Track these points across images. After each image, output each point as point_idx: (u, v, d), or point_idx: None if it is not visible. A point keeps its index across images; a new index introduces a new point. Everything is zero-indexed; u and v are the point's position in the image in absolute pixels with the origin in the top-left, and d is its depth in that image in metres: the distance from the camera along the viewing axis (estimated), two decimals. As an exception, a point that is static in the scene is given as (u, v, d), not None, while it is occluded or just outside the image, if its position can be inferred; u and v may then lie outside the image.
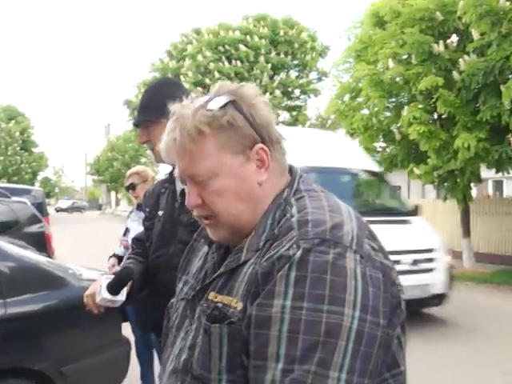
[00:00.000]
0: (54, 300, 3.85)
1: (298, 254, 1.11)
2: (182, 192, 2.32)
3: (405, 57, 13.49)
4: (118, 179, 52.81)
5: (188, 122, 1.24)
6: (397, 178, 17.90)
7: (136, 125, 2.57)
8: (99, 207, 73.40)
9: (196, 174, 1.26)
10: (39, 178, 58.80)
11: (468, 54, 12.12)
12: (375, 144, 15.49)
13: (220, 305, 1.23)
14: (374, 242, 1.23)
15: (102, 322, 4.08)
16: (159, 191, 2.58)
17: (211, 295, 1.27)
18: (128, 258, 2.62)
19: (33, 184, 46.36)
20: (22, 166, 50.36)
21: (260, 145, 1.27)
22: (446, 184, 13.90)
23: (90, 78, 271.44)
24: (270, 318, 1.10)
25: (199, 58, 22.54)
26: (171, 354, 1.39)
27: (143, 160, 51.75)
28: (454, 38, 13.34)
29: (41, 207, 10.42)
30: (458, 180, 13.31)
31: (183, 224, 2.33)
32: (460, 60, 12.01)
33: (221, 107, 1.25)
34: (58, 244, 9.68)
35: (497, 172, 13.54)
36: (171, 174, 2.51)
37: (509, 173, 13.39)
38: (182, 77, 22.83)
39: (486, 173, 14.21)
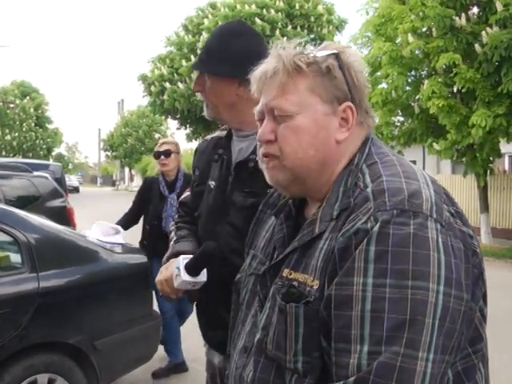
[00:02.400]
0: (86, 274, 3.85)
1: (377, 227, 1.06)
2: (237, 165, 2.09)
3: (424, 29, 13.31)
4: (132, 155, 52.82)
5: (289, 56, 1.23)
6: (413, 153, 17.78)
7: (197, 69, 2.21)
8: (113, 183, 73.59)
9: (279, 106, 1.24)
10: (53, 154, 58.88)
11: (490, 26, 11.91)
12: (394, 118, 15.37)
13: (296, 283, 1.18)
14: (452, 206, 1.17)
15: (134, 296, 4.11)
16: (211, 156, 2.23)
17: (285, 272, 1.22)
18: (178, 227, 2.32)
19: (47, 160, 46.41)
20: (37, 142, 50.41)
21: (349, 103, 1.24)
22: (464, 159, 13.77)
23: (104, 52, 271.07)
24: (352, 297, 1.05)
25: (215, 31, 22.31)
26: (242, 331, 1.36)
27: (157, 136, 51.73)
28: (475, 10, 13.13)
29: (59, 182, 10.42)
30: (477, 155, 13.19)
31: (236, 205, 2.07)
32: (482, 33, 11.81)
33: (323, 56, 1.24)
34: (77, 220, 9.70)
35: (516, 146, 13.40)
36: (227, 137, 2.19)
37: (528, 146, 13.25)
38: (198, 51, 22.65)
39: (503, 148, 14.04)
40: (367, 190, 1.14)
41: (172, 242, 2.24)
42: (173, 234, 2.29)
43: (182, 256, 1.98)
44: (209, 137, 2.38)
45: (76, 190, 49.55)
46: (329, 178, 1.24)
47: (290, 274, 1.20)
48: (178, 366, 5.25)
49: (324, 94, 1.22)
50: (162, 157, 5.20)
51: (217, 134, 2.32)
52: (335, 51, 1.24)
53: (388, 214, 1.07)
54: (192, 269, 1.93)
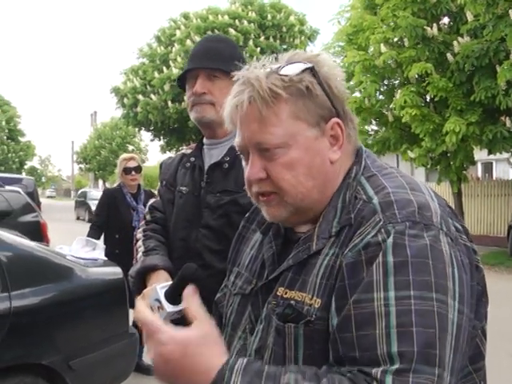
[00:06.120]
0: (60, 292, 3.72)
1: (391, 238, 1.00)
2: (210, 169, 2.12)
3: (396, 39, 13.45)
4: (106, 167, 52.44)
5: (261, 83, 1.11)
6: (387, 161, 17.90)
7: (213, 67, 2.13)
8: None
9: (265, 141, 1.12)
10: (26, 167, 58.18)
11: (462, 36, 12.09)
12: (367, 127, 15.47)
13: (293, 302, 1.10)
14: (456, 221, 1.12)
15: (110, 312, 4.01)
16: (179, 165, 2.28)
17: (280, 291, 1.14)
18: (146, 236, 2.23)
19: (20, 174, 45.84)
20: (9, 155, 49.83)
21: (336, 119, 1.15)
22: (439, 166, 13.91)
23: (77, 64, 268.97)
24: (374, 314, 0.96)
25: (188, 42, 22.21)
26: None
27: (131, 148, 51.45)
28: (446, 20, 13.32)
29: (32, 196, 10.28)
30: (451, 162, 13.34)
31: (210, 206, 2.08)
32: (454, 42, 12.00)
33: (298, 73, 1.12)
34: (50, 233, 9.53)
35: (489, 154, 13.59)
36: (198, 147, 2.26)
37: (501, 153, 13.43)
38: (170, 62, 22.63)
39: (476, 155, 14.22)
40: (373, 202, 1.08)
41: (140, 254, 2.15)
42: (140, 242, 2.20)
43: (157, 286, 1.77)
44: (174, 155, 2.47)
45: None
46: (327, 195, 1.17)
47: (286, 293, 1.12)
48: None
49: (309, 118, 1.13)
50: (133, 172, 5.37)
51: (182, 151, 2.39)
52: (309, 65, 1.14)
53: (401, 226, 1.01)
54: (174, 297, 1.71)
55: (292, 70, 1.13)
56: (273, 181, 1.14)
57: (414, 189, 1.09)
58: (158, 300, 1.76)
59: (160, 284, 1.83)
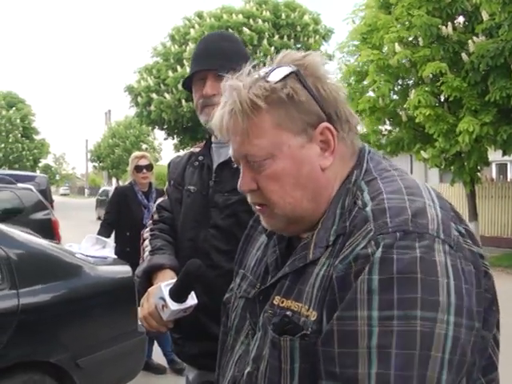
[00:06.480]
0: (68, 289, 3.72)
1: (379, 252, 0.95)
2: (218, 168, 2.09)
3: (411, 39, 13.36)
4: (119, 165, 52.57)
5: (241, 94, 1.08)
6: (400, 162, 17.85)
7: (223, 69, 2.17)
8: (100, 194, 73.29)
9: (250, 153, 1.10)
10: (40, 165, 58.52)
11: (477, 35, 11.98)
12: (381, 127, 15.37)
13: (289, 313, 1.07)
14: (460, 224, 1.06)
15: (118, 311, 4.01)
16: (187, 164, 2.25)
17: (276, 299, 1.11)
18: (153, 235, 2.21)
19: (34, 171, 46.10)
20: (24, 153, 50.07)
21: (325, 124, 1.10)
22: (452, 167, 13.79)
23: (91, 63, 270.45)
24: (357, 332, 0.93)
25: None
26: (231, 359, 1.26)
27: (144, 146, 51.55)
28: (461, 20, 13.21)
29: (45, 194, 10.29)
30: (465, 163, 13.23)
31: (218, 206, 2.04)
32: (469, 41, 11.89)
33: (281, 79, 1.09)
34: (63, 231, 9.55)
35: (504, 154, 13.46)
36: (207, 146, 2.22)
37: (516, 154, 13.30)
38: (184, 61, 22.62)
39: (490, 156, 14.10)
40: (366, 209, 1.03)
41: (147, 253, 2.13)
42: (147, 242, 2.18)
43: (161, 284, 1.79)
44: (182, 153, 2.41)
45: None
46: (322, 202, 1.13)
47: (282, 302, 1.09)
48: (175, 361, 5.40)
49: (293, 126, 1.09)
50: (144, 170, 5.39)
51: (190, 150, 2.35)
52: (294, 69, 1.10)
53: (391, 238, 0.96)
54: (178, 295, 1.74)
55: (276, 75, 1.10)
56: (262, 192, 1.12)
57: (412, 193, 1.04)
58: (163, 298, 1.75)
59: (164, 282, 1.82)
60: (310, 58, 1.14)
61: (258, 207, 1.17)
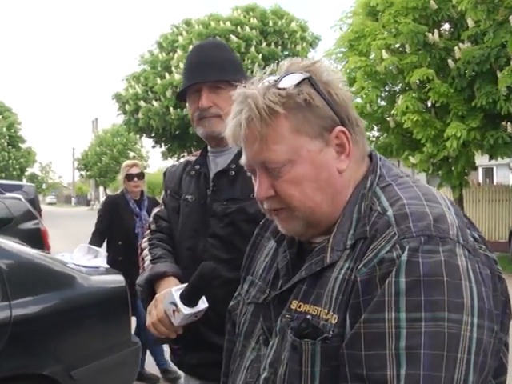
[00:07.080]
0: (61, 300, 3.69)
1: (405, 255, 0.97)
2: (216, 176, 2.08)
3: (398, 45, 13.47)
4: (107, 174, 52.39)
5: (258, 101, 1.09)
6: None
7: (219, 79, 2.06)
8: (88, 203, 72.90)
9: (269, 159, 1.11)
10: (26, 174, 58.21)
11: (462, 42, 12.13)
12: (369, 133, 15.44)
13: (309, 317, 1.07)
14: (474, 231, 1.09)
15: (112, 321, 3.98)
16: (183, 172, 2.22)
17: (294, 304, 1.11)
18: (152, 244, 2.18)
19: (20, 180, 45.80)
20: (10, 162, 49.82)
21: (340, 127, 1.13)
22: (440, 172, 13.89)
23: (78, 71, 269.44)
24: (384, 334, 0.95)
25: (190, 49, 22.28)
26: (241, 365, 1.25)
27: (132, 154, 51.39)
28: (447, 27, 13.35)
29: (33, 203, 10.22)
30: (453, 168, 13.33)
31: (217, 215, 2.03)
32: (455, 48, 12.03)
33: (295, 85, 1.10)
34: (52, 241, 9.49)
35: (490, 159, 13.58)
36: (203, 154, 2.20)
37: (503, 158, 13.43)
38: (172, 68, 22.60)
39: (476, 161, 14.22)
40: (388, 214, 1.05)
41: (148, 262, 2.10)
42: (146, 251, 2.16)
43: (172, 289, 1.75)
44: (177, 162, 2.38)
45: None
46: (339, 205, 1.15)
47: (300, 307, 1.10)
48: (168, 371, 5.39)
49: (311, 130, 1.11)
50: (136, 179, 5.34)
51: (186, 158, 2.32)
52: (307, 75, 1.12)
53: (415, 242, 0.98)
54: (191, 299, 1.71)
55: (289, 81, 1.11)
56: (281, 197, 1.13)
57: (429, 200, 1.06)
58: (174, 303, 1.72)
59: (174, 287, 1.79)
60: (321, 64, 1.16)
61: (275, 213, 1.17)
